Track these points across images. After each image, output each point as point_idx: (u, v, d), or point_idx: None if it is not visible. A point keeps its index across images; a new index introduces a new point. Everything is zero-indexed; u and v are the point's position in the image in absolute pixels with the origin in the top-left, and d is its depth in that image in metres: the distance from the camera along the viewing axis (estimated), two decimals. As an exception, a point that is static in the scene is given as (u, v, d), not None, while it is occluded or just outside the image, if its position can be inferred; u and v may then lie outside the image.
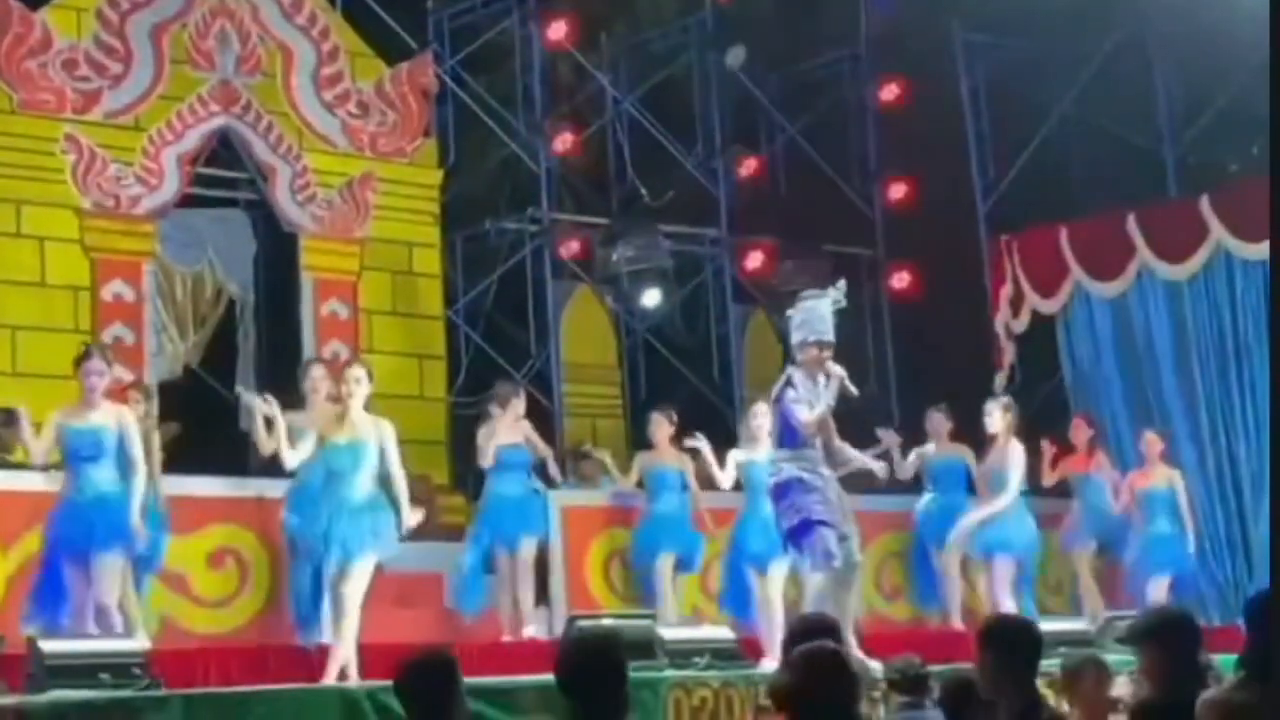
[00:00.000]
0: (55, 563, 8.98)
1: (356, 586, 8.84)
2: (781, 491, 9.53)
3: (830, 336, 9.52)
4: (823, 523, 9.37)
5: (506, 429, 11.10)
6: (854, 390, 9.69)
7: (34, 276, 12.89)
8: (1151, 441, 12.62)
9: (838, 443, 9.79)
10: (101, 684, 7.74)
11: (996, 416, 11.71)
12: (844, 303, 9.79)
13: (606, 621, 9.43)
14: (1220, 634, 11.73)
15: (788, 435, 9.54)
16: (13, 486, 10.05)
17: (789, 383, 9.53)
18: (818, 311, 9.57)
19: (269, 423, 9.73)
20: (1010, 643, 5.01)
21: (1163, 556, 12.33)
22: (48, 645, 8.06)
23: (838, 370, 9.49)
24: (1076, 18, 14.74)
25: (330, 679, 8.61)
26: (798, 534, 9.47)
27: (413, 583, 10.67)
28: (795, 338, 9.63)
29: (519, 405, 11.30)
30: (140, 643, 8.69)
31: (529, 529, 11.06)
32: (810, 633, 5.49)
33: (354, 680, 8.62)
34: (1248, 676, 5.08)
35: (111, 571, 8.92)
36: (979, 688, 5.11)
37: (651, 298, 15.62)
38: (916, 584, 12.64)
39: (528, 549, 11.00)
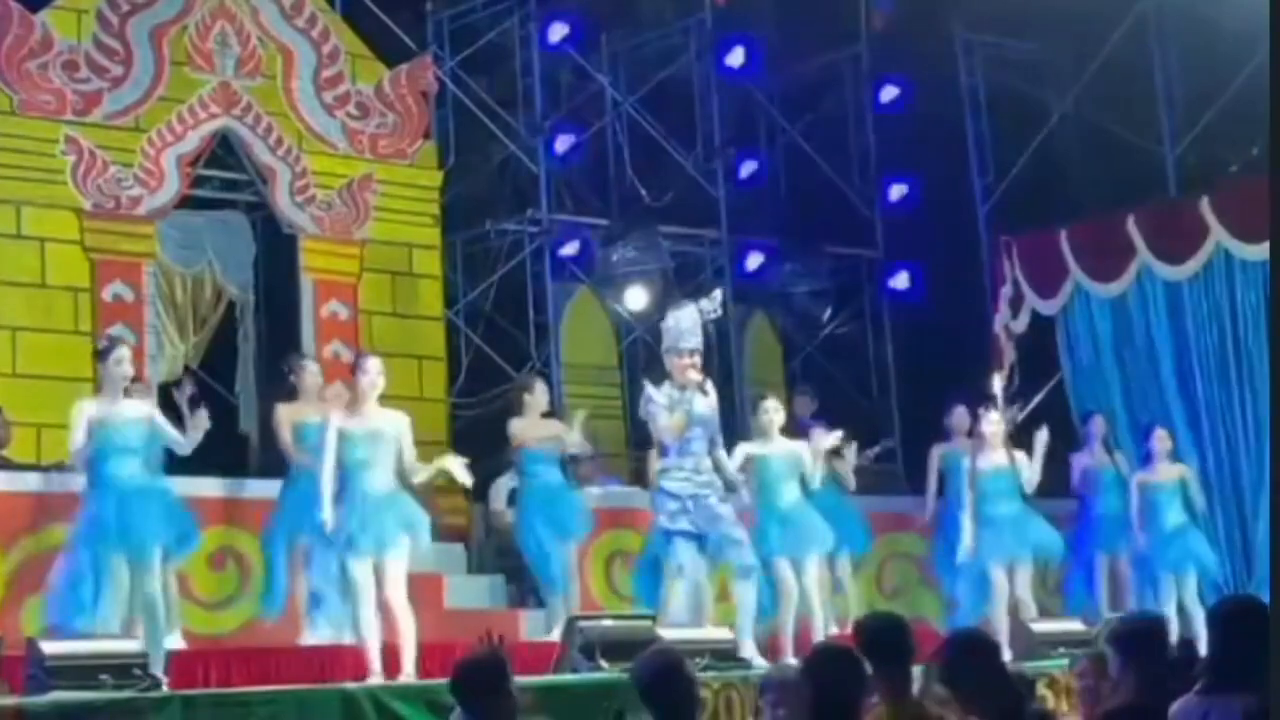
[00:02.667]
0: (90, 560, 8.99)
1: (397, 579, 8.90)
2: (652, 500, 9.90)
3: (696, 344, 9.76)
4: (681, 533, 9.61)
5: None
6: (711, 395, 9.86)
7: (34, 277, 12.88)
8: (1161, 439, 12.64)
9: (719, 453, 10.03)
10: (102, 685, 7.75)
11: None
12: (719, 312, 10.22)
13: (606, 623, 9.43)
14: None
15: (663, 446, 9.79)
16: (13, 487, 10.06)
17: (648, 397, 9.76)
18: (685, 320, 9.82)
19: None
20: (965, 653, 4.99)
21: (1181, 552, 12.36)
22: (48, 646, 8.08)
23: (696, 377, 9.73)
24: (1076, 18, 14.75)
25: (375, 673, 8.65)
26: (661, 545, 9.80)
27: (412, 583, 10.65)
28: (663, 345, 9.89)
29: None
30: (173, 641, 8.74)
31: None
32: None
33: (410, 677, 8.67)
34: (1210, 682, 5.03)
35: (157, 564, 9.06)
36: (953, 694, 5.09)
37: (637, 299, 15.60)
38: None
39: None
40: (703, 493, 9.70)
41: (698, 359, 9.79)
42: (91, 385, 10.29)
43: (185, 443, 9.38)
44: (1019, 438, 12.01)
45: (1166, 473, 12.57)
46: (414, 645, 8.90)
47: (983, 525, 11.40)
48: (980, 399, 12.19)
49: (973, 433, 11.91)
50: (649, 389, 9.77)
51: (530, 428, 11.05)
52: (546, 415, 11.26)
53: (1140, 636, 5.12)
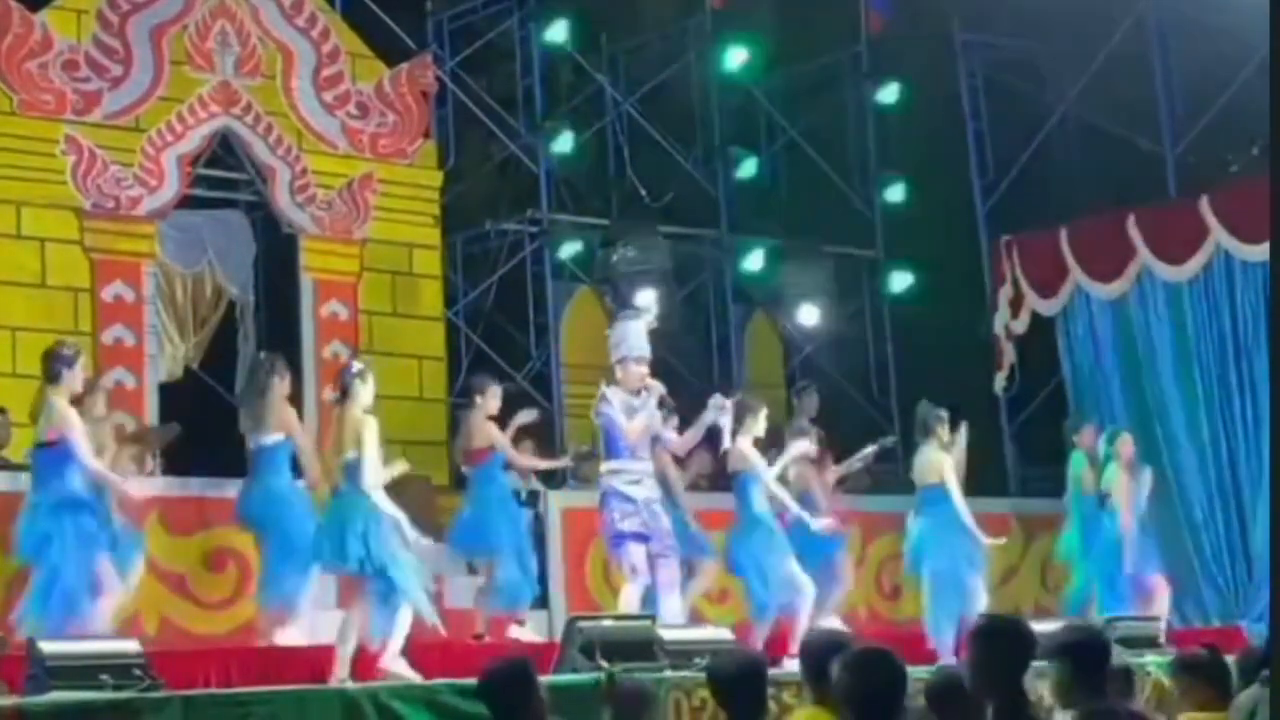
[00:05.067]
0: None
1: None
2: (601, 502, 9.99)
3: (647, 353, 10.07)
4: (635, 536, 9.79)
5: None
6: (671, 403, 10.17)
7: (34, 278, 12.88)
8: (1125, 443, 12.53)
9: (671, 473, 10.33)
10: (101, 685, 7.74)
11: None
12: (655, 324, 10.53)
13: (607, 623, 9.43)
14: (1220, 635, 11.76)
15: (611, 447, 9.96)
16: (13, 487, 10.05)
17: (604, 398, 9.97)
18: (634, 330, 10.12)
19: None
20: (996, 642, 5.01)
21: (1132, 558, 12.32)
22: (48, 646, 8.06)
23: (658, 386, 10.03)
24: (1076, 18, 14.76)
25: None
26: (612, 546, 9.97)
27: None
28: (615, 355, 10.11)
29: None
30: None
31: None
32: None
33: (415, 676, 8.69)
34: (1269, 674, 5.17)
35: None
36: (967, 686, 5.10)
37: (645, 298, 15.60)
38: None
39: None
40: (652, 496, 9.89)
41: (647, 366, 10.12)
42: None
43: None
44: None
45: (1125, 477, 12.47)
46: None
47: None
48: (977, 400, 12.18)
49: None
50: (607, 391, 9.95)
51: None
52: (493, 418, 11.27)
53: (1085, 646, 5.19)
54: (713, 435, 11.45)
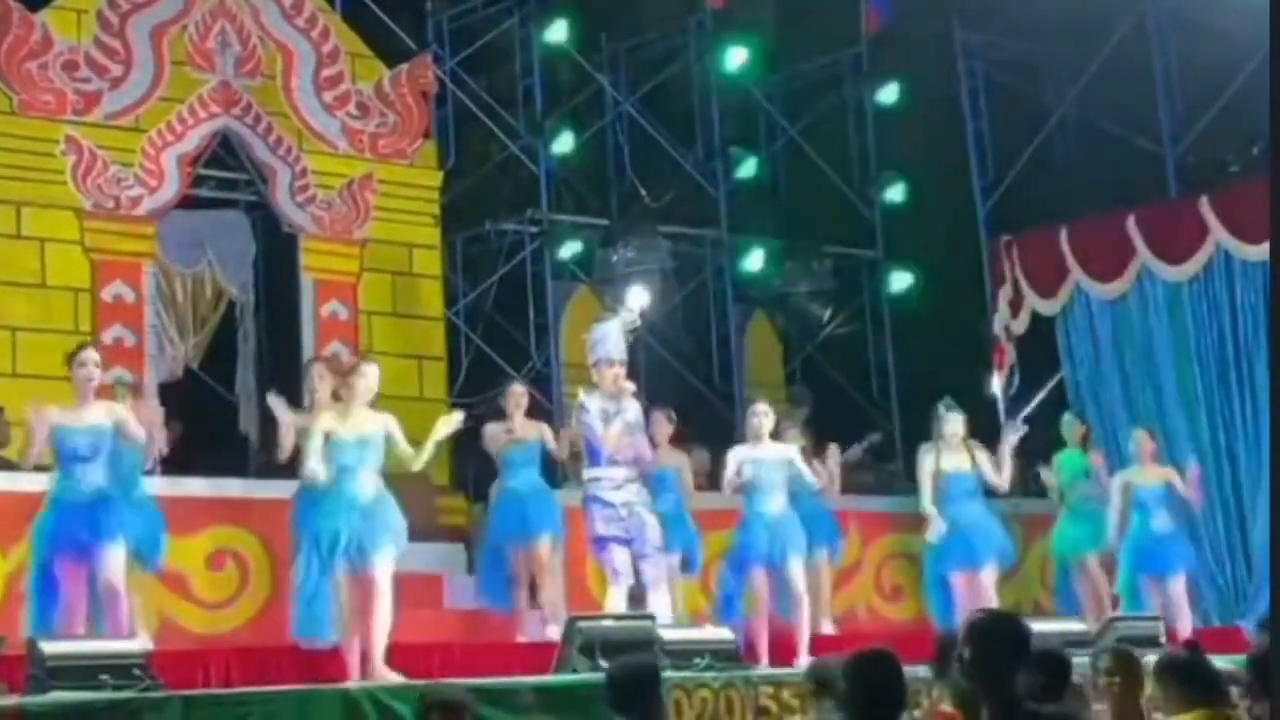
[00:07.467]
0: (50, 564, 8.91)
1: (385, 580, 8.86)
2: (583, 507, 10.12)
3: (621, 355, 10.07)
4: (615, 539, 9.91)
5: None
6: (644, 401, 10.21)
7: (34, 278, 12.90)
8: (1143, 440, 12.50)
9: (647, 455, 10.29)
10: (101, 685, 7.75)
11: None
12: (638, 324, 10.50)
13: (607, 623, 9.44)
14: (1220, 635, 11.76)
15: (591, 455, 10.05)
16: (12, 487, 10.06)
17: (583, 407, 10.04)
18: (609, 332, 10.12)
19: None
20: (991, 639, 4.99)
21: (1164, 555, 12.25)
22: (48, 646, 8.06)
23: (629, 386, 10.06)
24: (1076, 17, 14.75)
25: (355, 676, 8.62)
26: (596, 549, 10.10)
27: (412, 583, 10.66)
28: (591, 357, 10.14)
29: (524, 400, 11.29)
30: (142, 643, 8.67)
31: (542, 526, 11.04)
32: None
33: (389, 677, 8.62)
34: None
35: (118, 562, 8.86)
36: (964, 683, 5.10)
37: (634, 297, 15.59)
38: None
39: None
40: (633, 499, 9.96)
41: (624, 369, 10.11)
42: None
43: (148, 448, 9.39)
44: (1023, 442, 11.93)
45: (1151, 474, 12.42)
46: (384, 641, 8.85)
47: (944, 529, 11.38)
48: (977, 400, 12.17)
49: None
50: (584, 399, 10.00)
51: (503, 431, 11.09)
52: (529, 416, 11.26)
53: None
54: (713, 436, 11.46)
